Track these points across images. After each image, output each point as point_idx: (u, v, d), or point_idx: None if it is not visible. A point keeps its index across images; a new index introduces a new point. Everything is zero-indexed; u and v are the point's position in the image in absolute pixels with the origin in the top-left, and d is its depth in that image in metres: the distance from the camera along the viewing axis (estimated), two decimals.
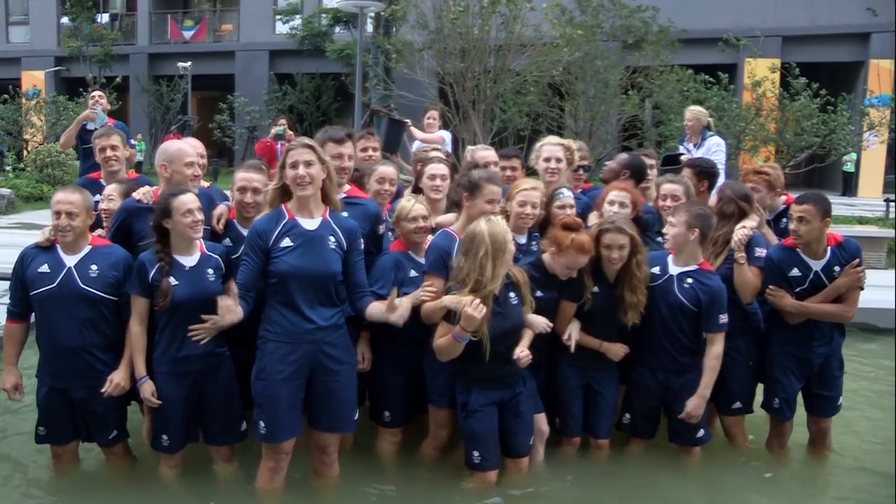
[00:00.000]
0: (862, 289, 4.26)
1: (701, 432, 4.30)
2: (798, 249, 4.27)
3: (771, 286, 4.30)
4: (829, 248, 4.24)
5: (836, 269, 4.22)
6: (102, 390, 3.84)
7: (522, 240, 4.32)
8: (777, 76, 16.20)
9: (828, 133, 14.02)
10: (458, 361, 3.86)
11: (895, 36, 20.09)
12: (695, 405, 4.18)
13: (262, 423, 3.68)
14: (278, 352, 3.63)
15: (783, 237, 4.60)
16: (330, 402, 3.75)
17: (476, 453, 3.93)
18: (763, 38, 16.13)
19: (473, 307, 3.58)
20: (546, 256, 4.15)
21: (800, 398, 4.52)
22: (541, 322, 4.00)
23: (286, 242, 3.62)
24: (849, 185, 24.41)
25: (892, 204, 15.61)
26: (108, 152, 5.08)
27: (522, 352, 3.87)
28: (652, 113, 16.17)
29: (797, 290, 4.27)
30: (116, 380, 3.86)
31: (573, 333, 4.16)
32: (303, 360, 3.65)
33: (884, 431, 4.99)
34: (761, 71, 15.55)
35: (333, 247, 3.68)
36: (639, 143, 15.93)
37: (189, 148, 4.29)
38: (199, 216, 3.79)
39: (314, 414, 3.79)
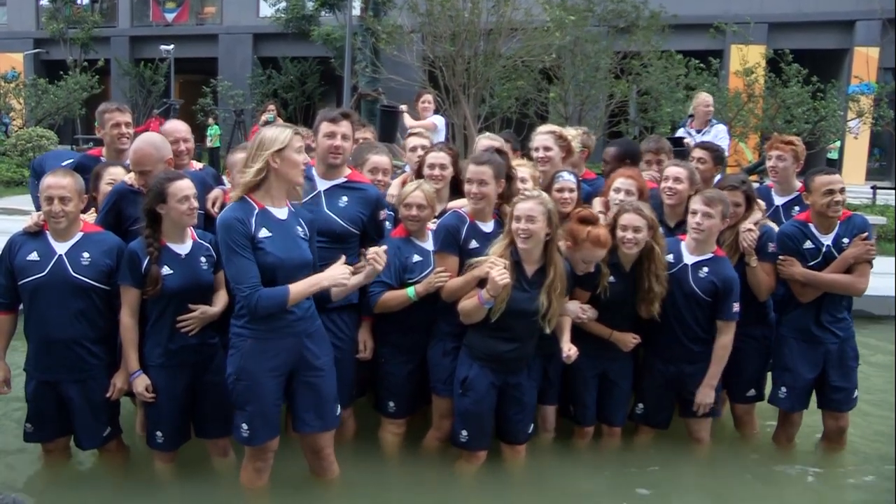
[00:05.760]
0: (871, 264, 4.21)
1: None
2: (810, 224, 4.26)
3: (781, 257, 4.25)
4: (837, 222, 4.24)
5: (846, 241, 4.21)
6: (108, 395, 3.74)
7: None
8: (764, 62, 16.15)
9: (819, 120, 14.00)
10: (468, 334, 3.83)
11: (881, 24, 20.11)
12: (703, 394, 4.17)
13: (244, 426, 3.46)
14: (259, 347, 3.40)
15: None
16: (314, 400, 3.56)
17: (465, 432, 3.89)
18: (753, 25, 16.07)
19: (497, 273, 3.53)
20: (561, 245, 4.03)
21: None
22: (575, 308, 3.94)
23: (264, 233, 3.36)
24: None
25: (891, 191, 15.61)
26: (123, 128, 4.69)
27: (571, 349, 3.83)
28: (637, 99, 16.08)
29: (811, 263, 4.23)
30: (119, 384, 3.74)
31: (590, 313, 4.05)
32: (284, 355, 3.44)
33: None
34: (753, 58, 15.50)
35: (302, 236, 3.51)
36: (627, 129, 15.85)
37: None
38: (195, 203, 3.64)
39: (298, 416, 3.59)
